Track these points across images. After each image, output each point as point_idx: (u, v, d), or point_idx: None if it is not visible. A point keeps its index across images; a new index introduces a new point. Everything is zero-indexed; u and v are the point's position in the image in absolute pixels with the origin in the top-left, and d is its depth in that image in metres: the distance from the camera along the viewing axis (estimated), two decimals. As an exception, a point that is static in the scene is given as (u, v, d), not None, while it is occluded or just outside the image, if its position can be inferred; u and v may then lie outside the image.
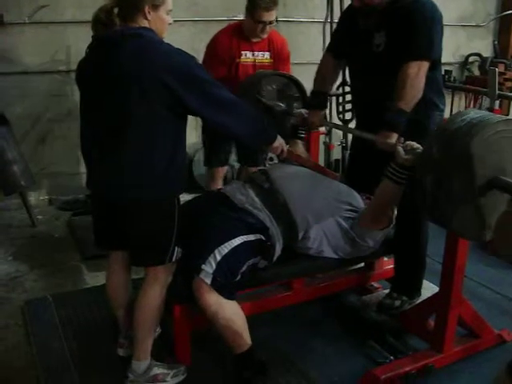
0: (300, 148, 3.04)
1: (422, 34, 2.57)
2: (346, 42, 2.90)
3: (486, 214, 2.05)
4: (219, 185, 3.88)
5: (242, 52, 3.66)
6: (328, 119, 5.01)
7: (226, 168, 4.07)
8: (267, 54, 3.74)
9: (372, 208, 2.59)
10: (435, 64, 2.70)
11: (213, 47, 3.66)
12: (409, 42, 2.56)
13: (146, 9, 2.18)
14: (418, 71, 2.55)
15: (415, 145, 2.34)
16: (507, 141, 1.99)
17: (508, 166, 2.00)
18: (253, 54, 3.70)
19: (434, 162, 2.03)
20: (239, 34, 3.66)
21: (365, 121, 2.94)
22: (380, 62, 2.68)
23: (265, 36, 3.65)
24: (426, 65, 2.58)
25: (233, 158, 4.23)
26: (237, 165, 4.73)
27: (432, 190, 2.03)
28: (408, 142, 2.38)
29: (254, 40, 3.67)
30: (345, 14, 3.03)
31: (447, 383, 2.54)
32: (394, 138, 2.53)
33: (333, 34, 3.14)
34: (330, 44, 3.11)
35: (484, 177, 1.98)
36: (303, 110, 3.05)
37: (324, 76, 3.05)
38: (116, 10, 2.26)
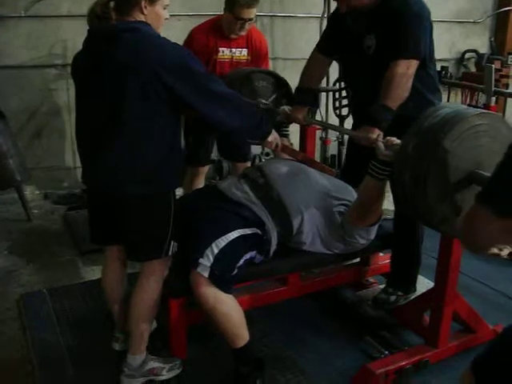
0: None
1: (408, 32, 2.56)
2: (336, 42, 2.90)
3: (465, 210, 2.03)
4: (202, 184, 3.83)
5: (220, 49, 3.57)
6: (324, 115, 5.02)
7: (207, 167, 3.98)
8: (245, 51, 3.65)
9: (356, 206, 2.57)
10: (426, 61, 2.70)
11: (189, 43, 3.51)
12: (396, 41, 2.55)
13: (143, 3, 2.18)
14: (406, 70, 2.55)
15: (395, 140, 2.30)
16: (482, 134, 1.96)
17: (485, 160, 1.97)
18: (230, 51, 3.61)
19: (410, 159, 1.99)
20: (217, 30, 3.55)
21: (360, 119, 2.95)
22: (372, 64, 2.68)
23: (243, 33, 3.55)
24: (414, 64, 2.58)
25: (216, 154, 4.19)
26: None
27: (410, 188, 2.00)
28: (388, 138, 2.36)
29: (232, 36, 3.57)
30: (334, 15, 3.00)
31: (442, 378, 2.55)
32: (375, 133, 2.52)
33: (323, 33, 3.10)
34: (319, 42, 3.08)
35: (461, 172, 1.94)
36: (287, 108, 3.05)
37: (311, 73, 3.05)
38: (112, 4, 2.25)
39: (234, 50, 3.61)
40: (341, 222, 2.60)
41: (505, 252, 1.55)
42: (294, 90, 3.14)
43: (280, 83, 3.24)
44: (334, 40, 2.91)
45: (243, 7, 3.38)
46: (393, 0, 2.61)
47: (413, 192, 2.00)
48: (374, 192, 2.45)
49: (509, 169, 1.24)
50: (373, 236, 2.70)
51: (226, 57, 3.60)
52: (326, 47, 2.99)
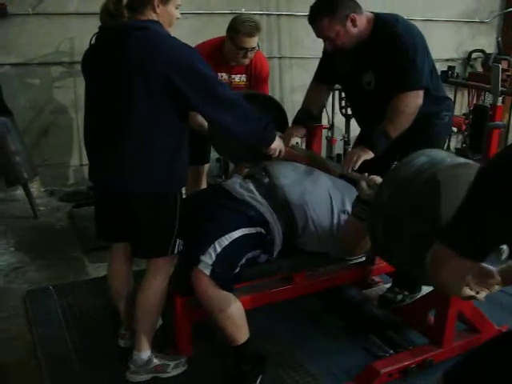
0: None
1: (407, 68, 2.57)
2: (333, 73, 2.90)
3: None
4: (203, 183, 3.82)
5: (219, 73, 3.42)
6: (330, 114, 5.02)
7: (207, 165, 3.94)
8: (244, 77, 3.56)
9: (341, 241, 2.57)
10: (432, 79, 2.72)
11: None
12: (397, 78, 2.56)
13: (156, 2, 2.19)
14: (416, 100, 2.59)
15: (378, 179, 2.31)
16: (460, 185, 1.88)
17: None
18: (229, 77, 3.53)
19: (384, 210, 1.97)
20: (217, 54, 3.43)
21: (361, 136, 2.99)
22: (375, 100, 2.70)
23: (246, 63, 3.45)
24: (420, 94, 2.60)
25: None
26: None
27: (384, 239, 1.98)
28: (372, 177, 2.37)
29: (233, 63, 3.47)
30: (326, 51, 2.90)
31: (446, 378, 2.55)
32: (368, 154, 2.58)
33: (319, 63, 3.06)
34: (316, 71, 3.06)
35: (436, 222, 1.84)
36: (278, 133, 3.03)
37: (311, 100, 3.05)
38: (125, 1, 2.26)
39: (233, 76, 3.54)
40: (336, 236, 2.60)
41: (482, 295, 1.55)
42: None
43: (275, 109, 3.14)
44: (331, 70, 2.91)
45: (244, 36, 3.28)
46: (381, 35, 2.60)
47: (387, 243, 1.97)
48: (356, 231, 2.45)
49: (467, 211, 1.25)
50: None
51: (224, 81, 3.47)
52: (324, 77, 2.99)
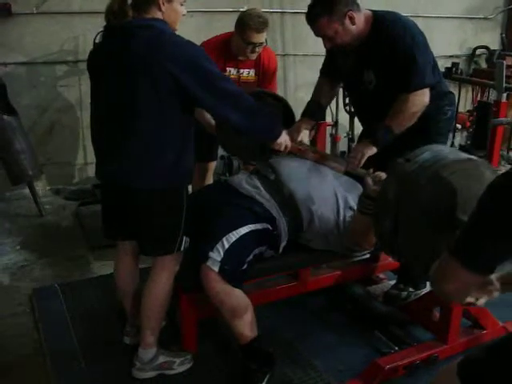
0: None
1: (411, 69, 2.55)
2: (337, 69, 2.90)
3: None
4: (210, 180, 3.83)
5: (227, 68, 3.49)
6: (334, 111, 5.01)
7: (215, 162, 3.96)
8: (252, 72, 3.58)
9: (349, 235, 2.58)
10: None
11: None
12: (401, 78, 2.55)
13: (161, 0, 2.19)
14: (421, 99, 2.58)
15: (383, 175, 2.31)
16: (465, 180, 1.86)
17: (470, 205, 1.88)
18: (237, 71, 3.54)
19: (389, 207, 1.96)
20: (226, 48, 3.47)
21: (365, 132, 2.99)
22: (376, 99, 2.70)
23: (255, 57, 3.48)
24: (426, 92, 2.60)
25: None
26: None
27: (390, 235, 1.97)
28: (377, 173, 2.37)
29: (241, 58, 3.50)
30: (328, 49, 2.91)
31: (451, 374, 2.55)
32: (372, 150, 2.57)
33: (324, 60, 3.07)
34: (322, 67, 3.07)
35: (444, 219, 1.83)
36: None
37: (319, 92, 3.05)
38: (130, 1, 2.27)
39: (241, 70, 3.55)
40: (342, 233, 2.60)
41: (481, 301, 1.56)
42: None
43: (281, 106, 3.10)
44: (335, 68, 2.91)
45: (253, 32, 3.30)
46: (380, 34, 2.59)
47: (393, 240, 1.97)
48: (363, 227, 2.45)
49: (477, 225, 1.25)
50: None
51: (232, 76, 3.50)
52: (329, 72, 2.99)
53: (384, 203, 2.00)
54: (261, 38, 3.37)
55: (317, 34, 2.66)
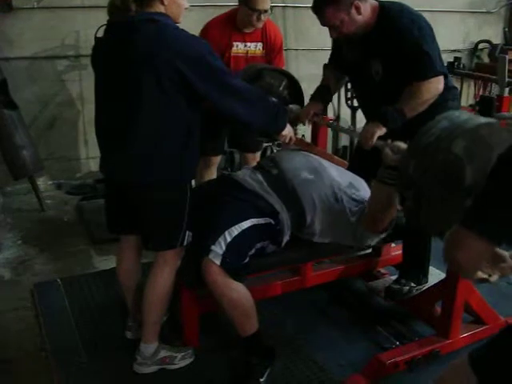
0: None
1: (421, 58, 2.53)
2: (342, 61, 2.89)
3: None
4: (214, 174, 3.83)
5: (234, 43, 3.54)
6: (336, 106, 5.01)
7: (219, 157, 3.97)
8: (260, 45, 3.62)
9: (368, 213, 2.56)
10: None
11: (203, 38, 3.35)
12: (410, 69, 2.53)
13: None
14: (435, 86, 2.56)
15: (402, 145, 2.30)
16: (482, 146, 1.87)
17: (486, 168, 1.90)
18: (245, 46, 3.58)
19: (412, 180, 1.97)
20: (231, 24, 3.52)
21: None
22: (382, 90, 2.68)
23: (260, 26, 3.52)
24: (441, 79, 2.58)
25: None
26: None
27: (415, 205, 1.98)
28: (396, 143, 2.36)
29: (247, 31, 3.55)
30: (335, 40, 2.92)
31: (453, 369, 2.55)
32: (381, 130, 2.54)
33: (332, 49, 3.07)
34: (330, 58, 3.08)
35: (466, 186, 1.86)
36: (295, 106, 3.03)
37: (329, 79, 3.06)
38: None
39: (248, 44, 3.58)
40: (351, 216, 2.59)
41: (494, 278, 1.57)
42: (303, 82, 3.13)
43: (290, 82, 3.16)
44: (341, 58, 2.90)
45: None
46: (387, 24, 2.58)
47: (417, 210, 1.98)
48: (384, 199, 2.43)
49: (489, 192, 1.28)
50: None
51: (240, 51, 3.57)
52: (336, 63, 2.99)
53: (405, 177, 2.01)
54: (265, 4, 3.42)
55: (322, 23, 2.65)
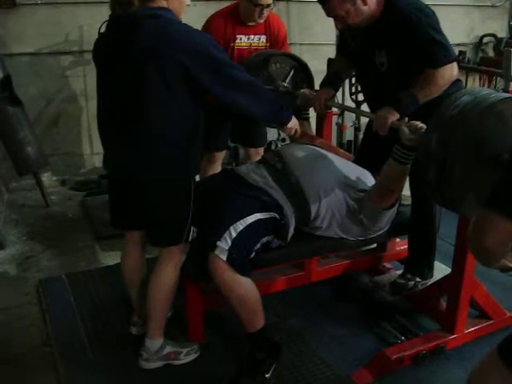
0: (306, 129, 3.05)
1: (432, 46, 2.51)
2: (349, 50, 2.89)
3: None
4: (218, 170, 3.80)
5: (237, 36, 3.53)
6: (341, 100, 4.99)
7: (223, 152, 3.96)
8: (263, 38, 3.61)
9: (378, 186, 2.58)
10: None
11: (206, 31, 3.38)
12: (424, 56, 2.51)
13: None
14: (450, 72, 2.53)
15: (419, 124, 2.32)
16: (506, 119, 1.92)
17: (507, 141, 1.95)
18: (248, 38, 3.57)
19: (433, 153, 1.99)
20: (234, 16, 3.51)
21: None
22: (388, 81, 2.66)
23: (262, 20, 3.51)
24: (455, 66, 2.56)
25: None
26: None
27: (436, 181, 2.00)
28: (412, 122, 2.36)
29: (250, 24, 3.53)
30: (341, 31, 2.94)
31: (457, 364, 2.54)
32: (395, 116, 2.52)
33: (339, 40, 3.09)
34: (337, 49, 3.09)
35: (488, 159, 1.89)
36: (307, 91, 3.04)
37: (339, 66, 3.08)
38: None
39: (252, 36, 3.57)
40: (359, 208, 2.59)
41: None
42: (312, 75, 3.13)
43: (300, 66, 3.21)
44: (348, 49, 2.90)
45: None
46: (393, 15, 2.56)
47: (439, 186, 2.00)
48: (395, 174, 2.46)
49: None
50: (389, 222, 2.69)
51: (243, 44, 3.56)
52: (344, 53, 3.00)
53: (427, 151, 2.03)
54: None
55: (328, 14, 2.64)
